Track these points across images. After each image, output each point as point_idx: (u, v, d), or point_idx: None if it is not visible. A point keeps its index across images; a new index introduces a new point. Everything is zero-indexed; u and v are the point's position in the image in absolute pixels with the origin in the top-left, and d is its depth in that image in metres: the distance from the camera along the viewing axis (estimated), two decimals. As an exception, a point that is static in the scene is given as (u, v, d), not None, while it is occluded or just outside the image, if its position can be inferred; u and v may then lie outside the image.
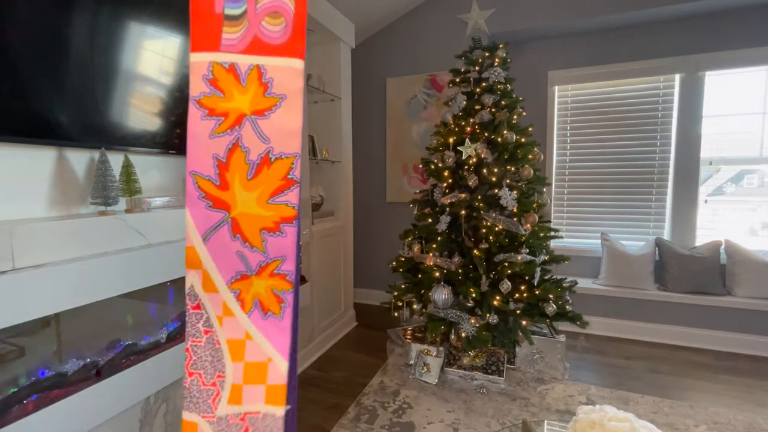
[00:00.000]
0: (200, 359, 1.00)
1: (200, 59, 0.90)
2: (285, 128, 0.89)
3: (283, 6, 0.86)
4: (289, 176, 0.89)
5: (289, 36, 0.86)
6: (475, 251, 2.46)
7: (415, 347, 2.65)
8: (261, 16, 0.86)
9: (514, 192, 2.45)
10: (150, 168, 1.88)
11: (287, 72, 0.87)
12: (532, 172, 2.50)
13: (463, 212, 2.50)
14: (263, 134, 0.89)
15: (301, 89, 0.88)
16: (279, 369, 0.91)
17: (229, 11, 0.87)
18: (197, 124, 0.92)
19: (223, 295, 0.95)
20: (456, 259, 2.52)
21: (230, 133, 0.90)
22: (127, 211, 1.66)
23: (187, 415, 1.03)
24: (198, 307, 0.98)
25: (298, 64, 0.87)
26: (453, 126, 2.67)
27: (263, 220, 0.90)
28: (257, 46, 0.88)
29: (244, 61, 0.88)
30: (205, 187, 0.93)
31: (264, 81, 0.88)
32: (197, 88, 0.91)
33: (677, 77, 3.13)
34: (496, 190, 2.50)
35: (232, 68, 0.89)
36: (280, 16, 0.86)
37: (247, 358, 0.94)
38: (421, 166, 2.90)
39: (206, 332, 0.98)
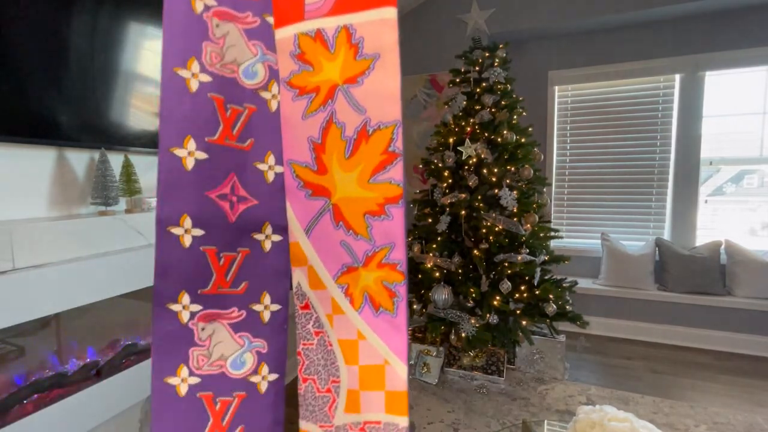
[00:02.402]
0: (313, 363, 0.91)
1: (285, 34, 0.80)
2: (381, 93, 0.77)
3: None
4: (390, 149, 0.77)
5: None
6: (475, 251, 2.46)
7: (415, 347, 2.65)
8: None
9: (514, 192, 2.44)
10: (150, 168, 1.88)
11: (378, 25, 0.75)
12: (532, 172, 2.50)
13: (463, 212, 2.50)
14: (358, 104, 0.78)
15: (396, 44, 0.76)
16: (398, 373, 0.81)
17: None
18: (289, 107, 0.83)
19: (331, 291, 0.85)
20: (456, 259, 2.52)
21: (323, 110, 0.80)
22: (127, 211, 1.66)
23: (304, 425, 0.93)
24: (307, 306, 0.90)
25: (390, 13, 0.74)
26: (453, 126, 2.67)
27: (366, 202, 0.79)
28: (343, 4, 0.76)
29: (331, 24, 0.77)
30: (303, 175, 0.84)
31: (354, 42, 0.77)
32: (286, 67, 0.82)
33: (677, 77, 3.12)
34: (496, 190, 2.50)
35: (319, 35, 0.78)
36: None
37: (361, 361, 0.84)
38: (421, 166, 2.90)
39: (317, 333, 0.89)
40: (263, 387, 0.95)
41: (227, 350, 0.91)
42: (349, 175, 0.80)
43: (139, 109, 1.74)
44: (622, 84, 3.28)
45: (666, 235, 3.24)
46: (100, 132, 1.59)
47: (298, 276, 0.90)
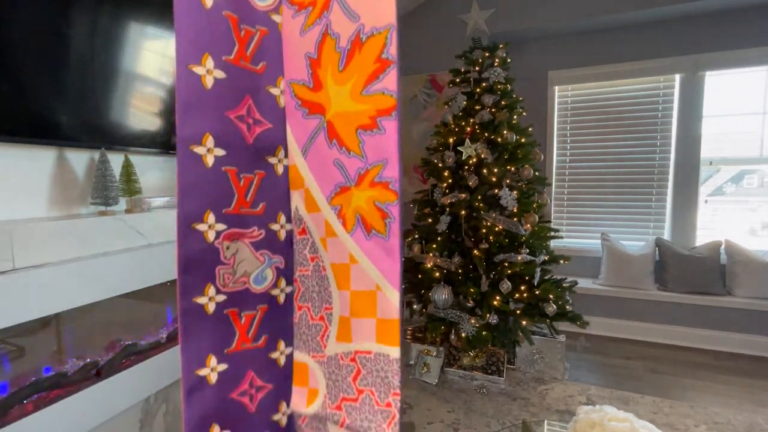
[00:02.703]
0: (308, 290, 0.93)
1: None
2: None
3: None
4: (384, 56, 0.73)
5: None
6: (475, 251, 2.46)
7: (415, 347, 2.65)
8: None
9: (514, 192, 2.44)
10: (150, 168, 1.89)
11: None
12: (532, 172, 2.50)
13: (463, 212, 2.50)
14: (352, 11, 0.76)
15: None
16: (389, 300, 0.78)
17: None
18: (289, 25, 0.84)
19: (324, 213, 0.85)
20: (456, 259, 2.52)
21: (319, 22, 0.80)
22: (127, 211, 1.66)
23: (297, 355, 0.96)
24: (303, 231, 0.91)
25: None
26: (453, 126, 2.67)
27: (358, 116, 0.76)
28: None
29: None
30: (300, 93, 0.85)
31: None
32: None
33: (677, 77, 3.12)
34: (496, 190, 2.50)
35: None
36: None
37: (353, 286, 0.82)
38: (421, 166, 2.90)
39: (312, 259, 0.90)
40: (282, 298, 1.00)
41: (250, 267, 0.94)
42: (343, 89, 0.78)
43: (139, 109, 1.74)
44: (622, 84, 3.28)
45: (666, 235, 3.24)
46: (100, 132, 1.59)
47: (296, 200, 0.91)
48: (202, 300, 0.88)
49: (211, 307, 0.90)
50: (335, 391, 0.89)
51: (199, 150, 0.84)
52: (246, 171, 0.91)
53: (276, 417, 1.01)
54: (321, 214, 0.86)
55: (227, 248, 0.90)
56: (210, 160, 0.85)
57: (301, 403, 0.96)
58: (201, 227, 0.86)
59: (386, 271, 0.77)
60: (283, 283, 0.99)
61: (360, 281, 0.81)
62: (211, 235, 0.88)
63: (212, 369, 0.91)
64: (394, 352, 0.78)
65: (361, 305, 0.81)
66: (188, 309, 0.87)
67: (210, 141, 0.85)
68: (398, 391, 0.78)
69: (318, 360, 0.92)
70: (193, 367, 0.88)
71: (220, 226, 0.88)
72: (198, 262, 0.87)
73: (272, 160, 0.95)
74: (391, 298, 0.77)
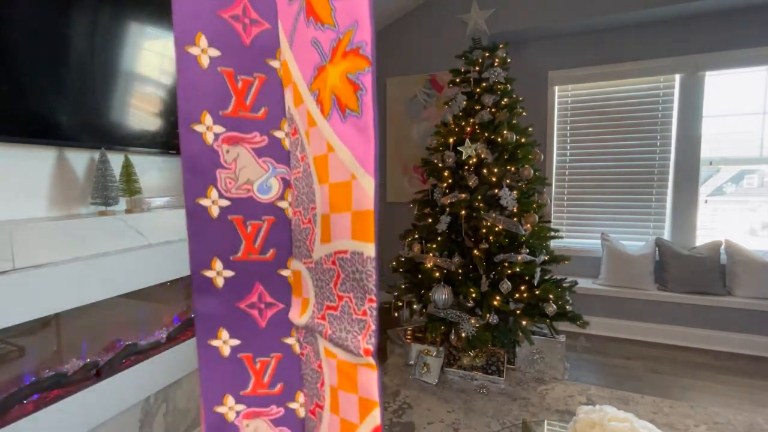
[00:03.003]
0: (300, 193, 0.90)
1: None
2: None
3: None
4: None
5: None
6: (475, 251, 2.46)
7: (415, 347, 2.65)
8: None
9: (514, 192, 2.44)
10: (150, 168, 1.89)
11: None
12: (532, 172, 2.50)
13: (463, 212, 2.50)
14: None
15: None
16: (364, 189, 0.69)
17: None
18: None
19: (307, 104, 0.82)
20: (456, 259, 2.52)
21: None
22: (127, 211, 1.66)
23: (294, 264, 0.95)
24: (295, 131, 0.88)
25: None
26: (453, 126, 2.67)
27: None
28: None
29: None
30: None
31: None
32: None
33: (677, 77, 3.12)
34: (496, 190, 2.50)
35: None
36: None
37: (331, 178, 0.76)
38: (421, 166, 2.90)
39: (302, 158, 0.88)
40: (290, 212, 0.96)
41: (253, 175, 0.92)
42: None
43: (139, 109, 1.74)
44: (622, 84, 3.28)
45: (666, 235, 3.24)
46: (100, 132, 1.59)
47: (287, 98, 0.88)
48: (205, 202, 0.88)
49: (214, 211, 0.89)
50: (321, 299, 0.87)
51: (193, 50, 0.84)
52: (244, 73, 0.89)
53: (289, 341, 0.99)
54: (304, 105, 0.83)
55: (227, 152, 0.89)
56: (205, 61, 0.85)
57: (296, 314, 0.95)
58: (199, 128, 0.86)
59: (359, 153, 0.69)
60: (290, 195, 0.96)
61: (336, 172, 0.75)
62: (209, 137, 0.87)
63: (218, 273, 0.91)
64: (369, 249, 0.70)
65: (338, 199, 0.76)
66: (192, 210, 0.88)
67: (203, 41, 0.84)
68: (373, 297, 0.72)
69: (308, 266, 0.90)
70: (200, 268, 0.89)
71: (218, 128, 0.88)
72: (199, 162, 0.87)
73: (274, 63, 0.92)
74: (366, 185, 0.68)
